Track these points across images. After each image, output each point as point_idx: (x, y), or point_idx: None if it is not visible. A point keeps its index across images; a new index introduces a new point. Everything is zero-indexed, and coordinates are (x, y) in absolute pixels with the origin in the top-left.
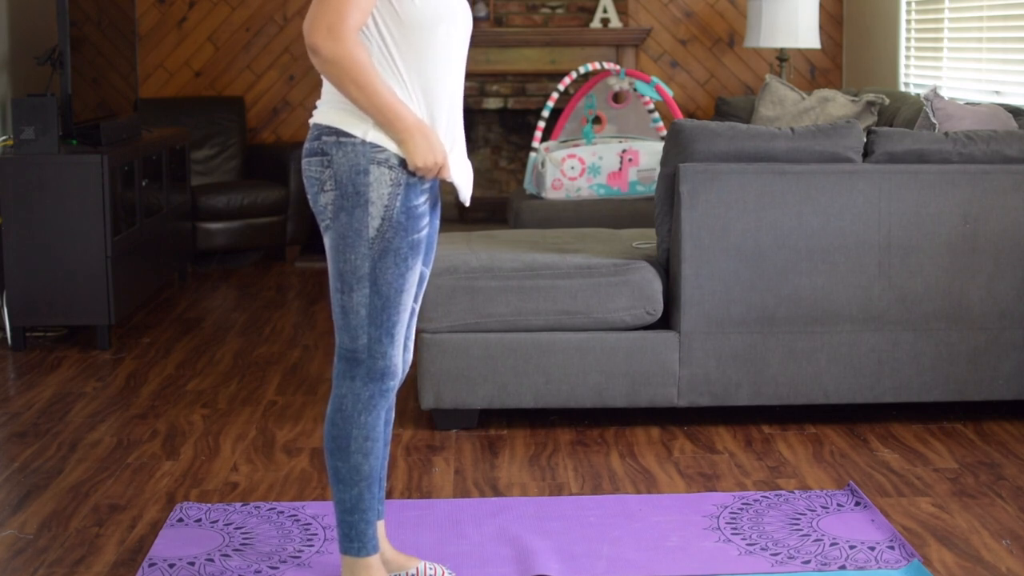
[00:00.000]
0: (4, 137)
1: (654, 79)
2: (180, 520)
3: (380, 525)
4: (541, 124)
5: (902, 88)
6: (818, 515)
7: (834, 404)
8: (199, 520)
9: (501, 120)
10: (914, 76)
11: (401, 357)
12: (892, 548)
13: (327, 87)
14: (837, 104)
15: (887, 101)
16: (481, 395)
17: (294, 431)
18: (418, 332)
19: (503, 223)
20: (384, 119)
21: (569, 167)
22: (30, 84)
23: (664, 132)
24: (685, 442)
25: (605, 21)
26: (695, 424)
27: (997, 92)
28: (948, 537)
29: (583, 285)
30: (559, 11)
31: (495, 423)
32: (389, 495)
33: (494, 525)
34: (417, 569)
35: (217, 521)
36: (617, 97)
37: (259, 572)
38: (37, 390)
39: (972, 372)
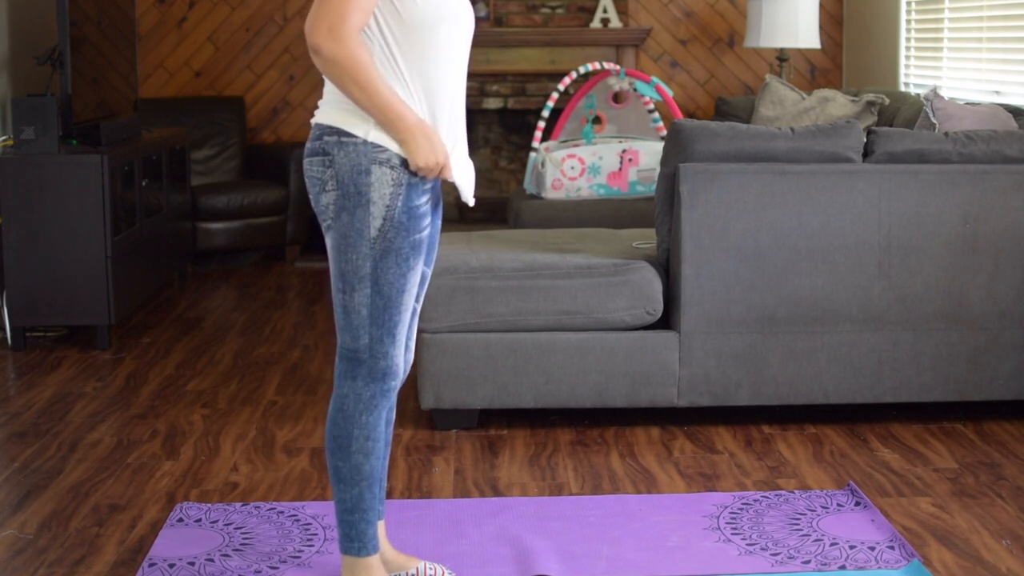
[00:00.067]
0: (4, 137)
1: (654, 79)
2: (180, 520)
3: (380, 525)
4: (541, 124)
5: (902, 88)
6: (818, 515)
7: (834, 404)
8: (199, 520)
9: (501, 120)
10: (914, 76)
11: (403, 357)
12: (892, 548)
13: (329, 87)
14: (837, 104)
15: (887, 101)
16: (481, 395)
17: (294, 431)
18: (418, 332)
19: (503, 223)
20: (386, 119)
21: (569, 167)
22: (30, 84)
23: (664, 132)
24: (685, 442)
25: (605, 21)
26: (695, 424)
27: (997, 92)
28: (948, 537)
29: (583, 285)
30: (559, 11)
31: (495, 423)
32: (389, 495)
33: (494, 525)
34: (417, 569)
35: (217, 521)
36: (617, 97)
37: (259, 572)
38: (37, 390)
39: (972, 372)
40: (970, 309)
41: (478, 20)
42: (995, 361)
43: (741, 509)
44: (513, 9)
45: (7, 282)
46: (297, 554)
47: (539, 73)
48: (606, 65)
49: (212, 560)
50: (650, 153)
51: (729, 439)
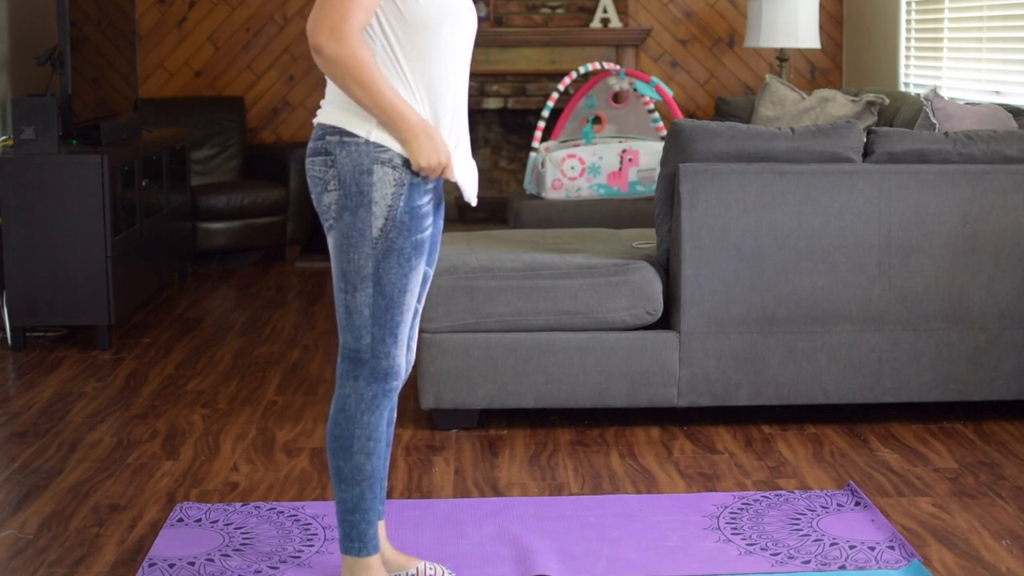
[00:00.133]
0: (4, 137)
1: (654, 79)
2: (180, 520)
3: (380, 525)
4: (541, 124)
5: (902, 88)
6: (818, 515)
7: (834, 404)
8: (199, 520)
9: (501, 120)
10: (914, 76)
11: (404, 357)
12: (892, 548)
13: (331, 87)
14: (837, 104)
15: (887, 101)
16: (481, 395)
17: (294, 431)
18: (419, 332)
19: (503, 223)
20: (388, 119)
21: (569, 167)
22: (30, 84)
23: (664, 132)
24: (685, 442)
25: (605, 21)
26: (695, 424)
27: (997, 92)
28: (948, 537)
29: (583, 285)
30: (559, 11)
31: (495, 423)
32: (389, 495)
33: (494, 525)
34: (417, 569)
35: (217, 521)
36: (617, 97)
37: (259, 572)
38: (37, 390)
39: (972, 372)
40: (970, 309)
41: (478, 20)
42: (995, 361)
43: (741, 509)
44: (513, 9)
45: (7, 282)
46: (297, 554)
47: (539, 73)
48: (606, 65)
49: (212, 560)
50: (650, 153)
51: (729, 439)
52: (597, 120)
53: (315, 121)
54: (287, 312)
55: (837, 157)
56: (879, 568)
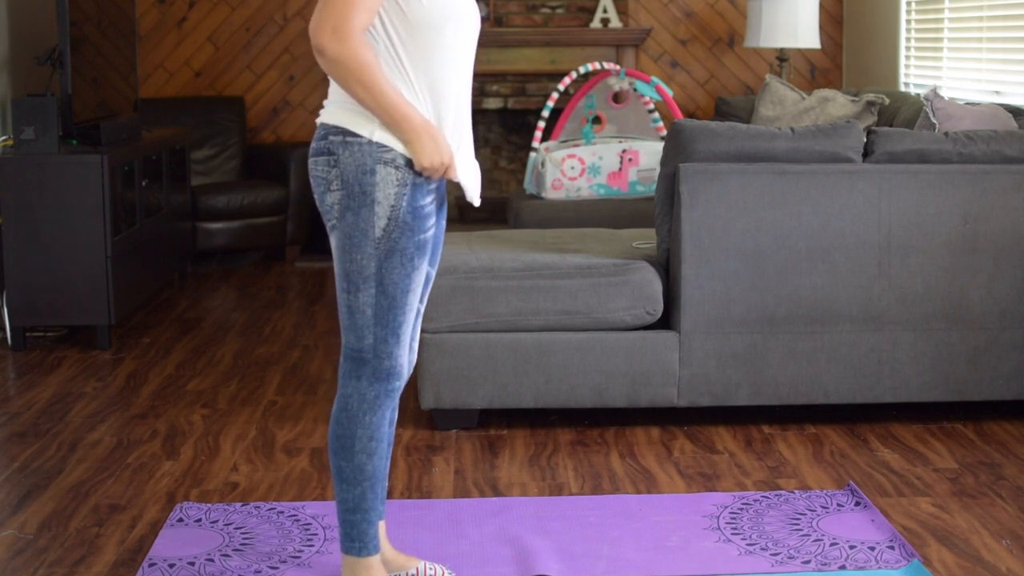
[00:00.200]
0: (4, 137)
1: (654, 79)
2: (180, 520)
3: (380, 525)
4: (541, 124)
5: (902, 88)
6: (818, 515)
7: (834, 404)
8: (199, 520)
9: (501, 120)
10: (914, 76)
11: (407, 357)
12: (892, 548)
13: (334, 87)
14: (837, 104)
15: (887, 101)
16: (481, 395)
17: (294, 431)
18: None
19: (503, 223)
20: (390, 119)
21: (569, 167)
22: (30, 84)
23: (664, 132)
24: (685, 442)
25: (605, 21)
26: (695, 424)
27: (997, 92)
28: (948, 537)
29: (583, 285)
30: (559, 11)
31: (495, 423)
32: (389, 495)
33: (494, 525)
34: (417, 569)
35: (217, 521)
36: (617, 97)
37: (259, 572)
38: (37, 390)
39: (972, 372)
40: (970, 309)
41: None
42: (995, 361)
43: (741, 509)
44: (513, 9)
45: (7, 282)
46: (297, 554)
47: (539, 73)
48: (606, 65)
49: (212, 560)
50: (650, 153)
51: (729, 439)
52: (597, 120)
53: (318, 121)
54: (287, 312)
55: (837, 157)
56: (879, 568)
